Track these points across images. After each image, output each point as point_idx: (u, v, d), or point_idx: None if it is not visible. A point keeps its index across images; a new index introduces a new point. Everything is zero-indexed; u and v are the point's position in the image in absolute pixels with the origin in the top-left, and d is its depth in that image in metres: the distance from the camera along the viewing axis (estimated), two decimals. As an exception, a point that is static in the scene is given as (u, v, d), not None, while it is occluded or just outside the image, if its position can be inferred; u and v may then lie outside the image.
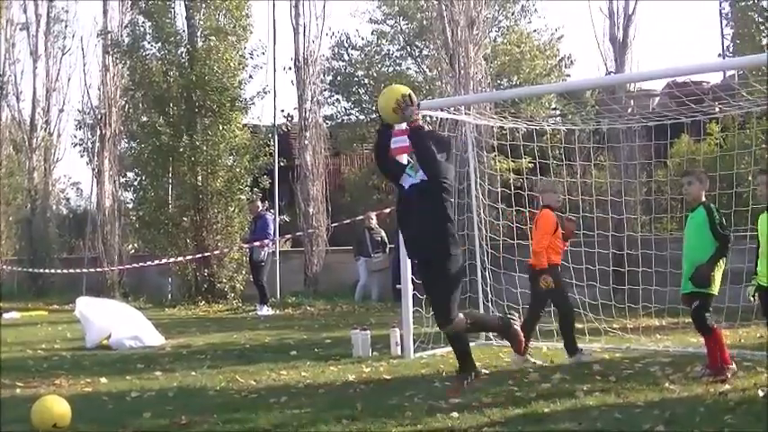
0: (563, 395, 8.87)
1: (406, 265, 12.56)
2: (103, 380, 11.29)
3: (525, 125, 15.35)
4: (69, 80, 32.48)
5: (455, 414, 8.16)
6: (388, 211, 21.78)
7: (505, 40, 34.63)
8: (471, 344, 10.50)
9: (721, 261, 9.42)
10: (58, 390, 10.55)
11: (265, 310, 21.28)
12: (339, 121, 37.11)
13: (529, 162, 19.83)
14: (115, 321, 15.21)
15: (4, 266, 30.32)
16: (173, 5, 25.19)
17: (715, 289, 9.42)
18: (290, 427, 8.09)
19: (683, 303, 9.75)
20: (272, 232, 22.30)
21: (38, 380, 11.43)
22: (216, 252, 23.98)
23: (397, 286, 14.96)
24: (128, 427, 8.44)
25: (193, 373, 11.56)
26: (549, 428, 7.60)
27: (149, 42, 25.24)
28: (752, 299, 9.53)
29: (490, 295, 13.87)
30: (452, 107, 14.46)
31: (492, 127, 16.18)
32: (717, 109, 14.17)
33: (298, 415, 8.61)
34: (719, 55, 26.51)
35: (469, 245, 14.07)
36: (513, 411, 8.24)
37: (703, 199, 9.63)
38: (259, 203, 22.75)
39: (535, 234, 11.36)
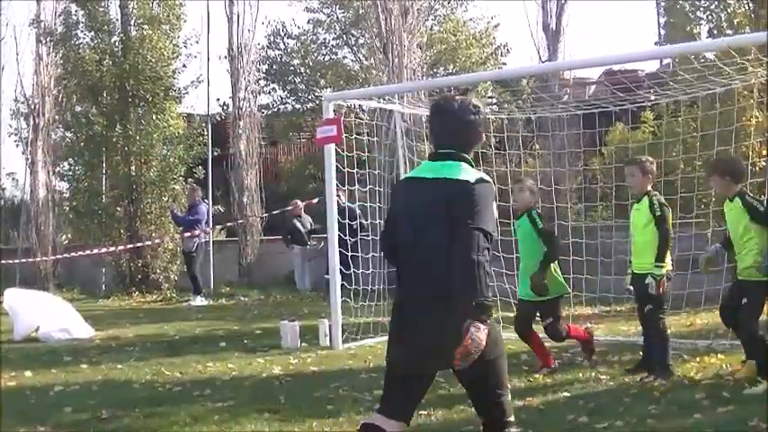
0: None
1: (335, 253, 12.51)
2: (28, 373, 11.18)
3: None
4: (2, 69, 32.00)
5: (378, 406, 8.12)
6: (316, 200, 21.62)
7: (442, 29, 34.56)
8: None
9: None
10: (-20, 384, 10.40)
11: (198, 301, 21.14)
12: (275, 110, 36.88)
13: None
14: (44, 314, 15.03)
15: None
16: (106, -7, 24.88)
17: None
18: (211, 420, 8.06)
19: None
20: (203, 222, 22.02)
21: (-40, 374, 11.26)
22: (149, 242, 23.72)
23: (326, 276, 14.87)
24: (48, 422, 8.34)
25: (120, 366, 11.47)
26: (465, 419, 7.58)
27: (82, 31, 24.93)
28: None
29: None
30: (385, 96, 14.40)
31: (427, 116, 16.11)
32: (652, 97, 14.26)
33: (220, 408, 8.57)
34: (656, 43, 26.68)
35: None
36: (438, 405, 8.20)
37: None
38: (199, 191, 22.50)
39: None
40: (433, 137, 5.43)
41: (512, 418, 5.26)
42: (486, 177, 5.09)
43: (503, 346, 5.25)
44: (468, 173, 5.11)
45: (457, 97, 5.41)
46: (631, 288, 9.74)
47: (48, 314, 15.07)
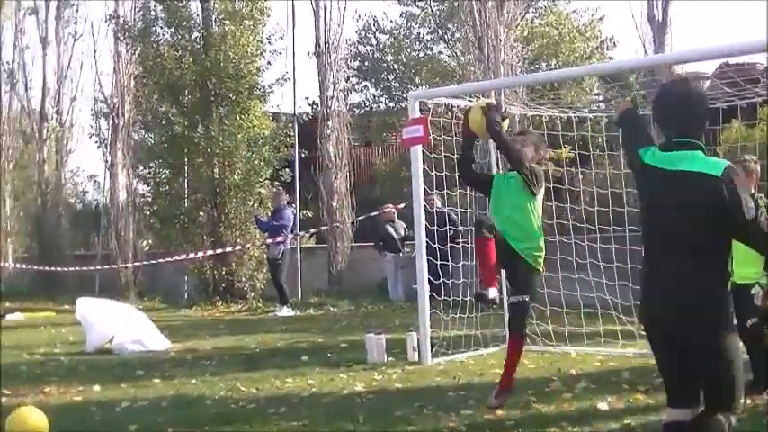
0: (585, 408, 8.58)
1: (422, 262, 12.29)
2: (96, 387, 11.12)
3: (551, 112, 15.02)
4: (81, 67, 32.71)
5: (463, 429, 7.89)
6: (402, 205, 21.43)
7: (543, 22, 34.23)
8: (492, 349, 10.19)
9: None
10: (47, 398, 10.39)
11: (285, 311, 21.03)
12: (368, 109, 36.83)
13: (569, 152, 19.49)
14: (118, 324, 15.03)
15: (14, 264, 30.30)
16: (186, -12, 24.97)
17: None
18: (282, 441, 7.87)
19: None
20: (289, 228, 21.91)
21: (28, 387, 11.25)
22: (234, 249, 23.66)
23: (413, 286, 14.65)
24: (110, 440, 8.25)
25: (193, 381, 11.36)
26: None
27: (161, 27, 25.03)
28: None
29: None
30: (478, 94, 14.11)
31: (525, 115, 15.84)
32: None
33: (294, 428, 8.38)
34: (772, 34, 26.02)
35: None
36: (529, 426, 7.97)
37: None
38: (284, 196, 22.34)
39: None
40: (666, 124, 5.55)
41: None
42: (728, 162, 5.31)
43: None
44: (713, 164, 5.29)
45: (687, 82, 5.58)
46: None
47: (122, 325, 15.07)
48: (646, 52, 20.25)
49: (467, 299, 13.10)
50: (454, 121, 14.02)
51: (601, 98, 28.53)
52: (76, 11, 32.81)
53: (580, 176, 16.67)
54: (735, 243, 8.49)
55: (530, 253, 8.88)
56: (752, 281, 8.87)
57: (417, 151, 12.13)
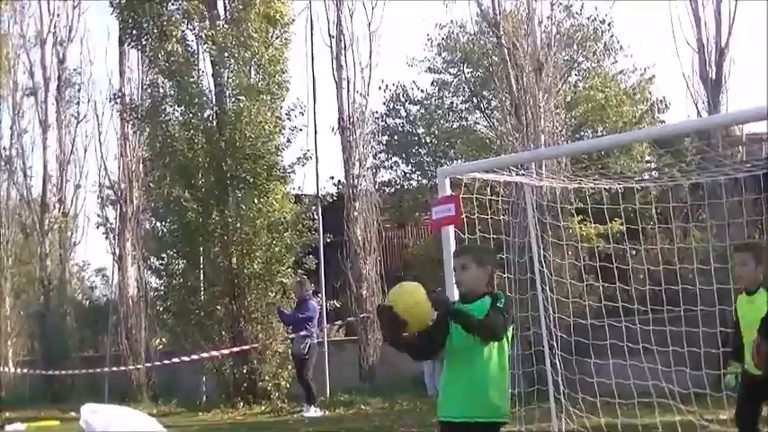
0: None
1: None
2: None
3: (597, 183, 15.17)
4: (86, 151, 32.73)
5: None
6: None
7: (587, 85, 34.45)
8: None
9: None
10: None
11: (312, 412, 20.99)
12: (399, 186, 37.05)
13: (618, 226, 19.61)
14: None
15: (14, 368, 30.42)
16: (197, 62, 25.27)
17: None
18: None
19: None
20: (315, 320, 21.92)
21: None
22: (255, 345, 23.69)
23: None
24: None
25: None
26: None
27: (171, 105, 25.25)
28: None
29: (561, 386, 13.64)
30: (515, 167, 14.28)
31: (567, 188, 16.00)
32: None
33: None
34: None
35: (535, 328, 13.88)
36: None
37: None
38: (308, 285, 22.25)
39: None
40: None
41: None
42: None
43: None
44: None
45: None
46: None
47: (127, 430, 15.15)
48: (699, 114, 20.39)
49: (514, 391, 13.19)
50: (491, 197, 14.23)
51: (653, 166, 28.69)
52: (79, 90, 33.14)
53: (631, 252, 16.77)
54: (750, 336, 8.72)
55: None
56: None
57: (449, 232, 12.29)
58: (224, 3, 25.19)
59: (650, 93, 35.28)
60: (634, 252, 17.05)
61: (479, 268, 7.46)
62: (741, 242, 11.85)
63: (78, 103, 33.04)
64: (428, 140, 37.04)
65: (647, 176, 24.97)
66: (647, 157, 31.10)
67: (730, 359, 9.81)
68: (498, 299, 7.26)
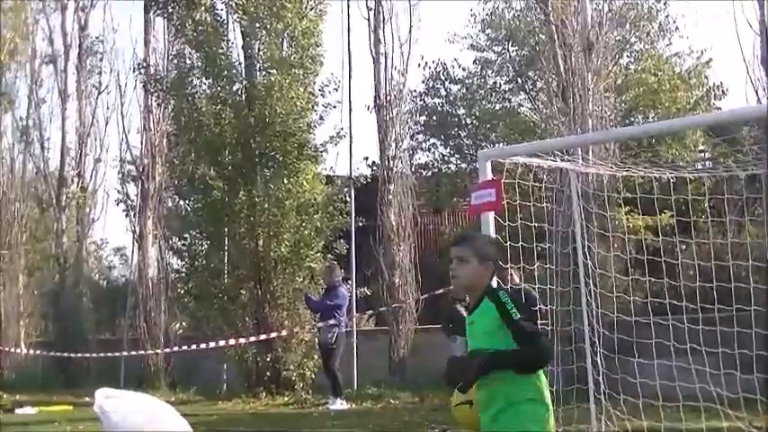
0: None
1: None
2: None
3: (647, 172, 15.15)
4: (107, 124, 32.67)
5: None
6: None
7: (639, 67, 34.29)
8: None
9: None
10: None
11: (338, 404, 21.07)
12: (436, 170, 36.99)
13: (669, 218, 19.58)
14: (142, 419, 15.20)
15: (26, 349, 30.54)
16: (226, 33, 25.25)
17: None
18: None
19: None
20: (344, 308, 21.99)
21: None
22: (280, 333, 23.70)
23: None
24: None
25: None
26: None
27: (198, 78, 25.32)
28: None
29: (602, 386, 13.65)
30: (561, 152, 14.27)
31: (616, 176, 15.97)
32: None
33: None
34: None
35: (577, 323, 13.89)
36: None
37: None
38: (337, 271, 22.29)
39: None
40: None
41: None
42: None
43: None
44: None
45: None
46: None
47: (149, 421, 15.25)
48: (759, 101, 20.29)
49: (552, 389, 13.24)
50: (534, 184, 14.23)
51: (707, 156, 28.59)
52: (101, 60, 33.11)
53: (681, 247, 16.76)
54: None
55: None
56: None
57: (489, 219, 12.25)
58: (256, -30, 25.00)
59: (706, 77, 35.05)
60: (684, 246, 17.02)
61: (481, 264, 6.86)
62: None
63: (100, 72, 33.10)
64: (468, 122, 37.02)
65: (700, 166, 24.89)
66: (701, 146, 30.98)
67: None
68: (498, 297, 6.64)
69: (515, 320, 6.42)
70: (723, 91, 34.11)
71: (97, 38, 33.74)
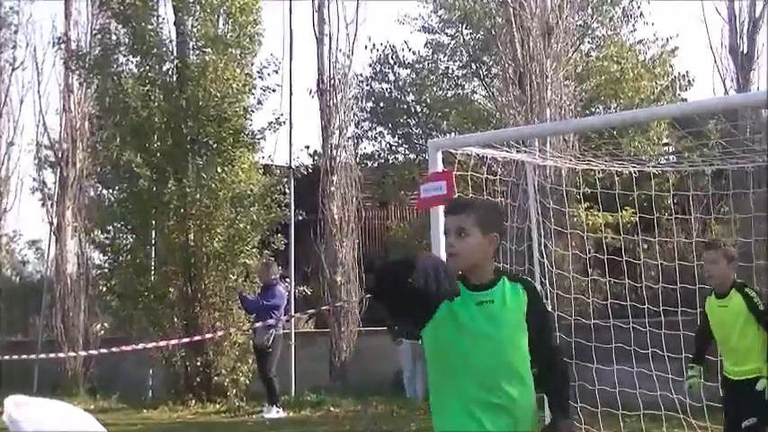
0: None
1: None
2: None
3: (608, 166, 15.35)
4: (21, 104, 32.42)
5: None
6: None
7: (601, 55, 34.53)
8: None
9: None
10: None
11: (274, 413, 21.11)
12: (383, 160, 37.06)
13: (630, 216, 19.80)
14: (57, 430, 15.21)
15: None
16: (156, 7, 25.10)
17: None
18: None
19: None
20: (282, 308, 21.93)
21: None
22: (212, 335, 23.58)
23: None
24: None
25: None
26: None
27: (125, 55, 25.20)
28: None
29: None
30: (516, 143, 14.42)
31: (574, 170, 16.14)
32: None
33: None
34: None
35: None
36: None
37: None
38: (275, 268, 22.30)
39: None
40: None
41: None
42: None
43: None
44: None
45: None
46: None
47: (62, 430, 15.26)
48: (726, 92, 20.55)
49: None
50: (488, 176, 14.34)
51: (671, 149, 28.85)
52: (15, 32, 32.80)
53: (643, 246, 16.97)
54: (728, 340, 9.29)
55: None
56: (753, 376, 9.66)
57: (439, 214, 12.37)
58: (190, -60, 24.88)
59: (672, 66, 35.28)
60: (646, 245, 17.26)
61: (485, 237, 5.81)
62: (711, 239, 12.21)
63: (15, 47, 32.77)
64: (418, 110, 37.07)
65: (664, 161, 25.17)
66: (666, 139, 31.23)
67: (691, 363, 10.17)
68: (530, 289, 5.93)
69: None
70: (689, 81, 34.46)
71: (11, 8, 33.46)
